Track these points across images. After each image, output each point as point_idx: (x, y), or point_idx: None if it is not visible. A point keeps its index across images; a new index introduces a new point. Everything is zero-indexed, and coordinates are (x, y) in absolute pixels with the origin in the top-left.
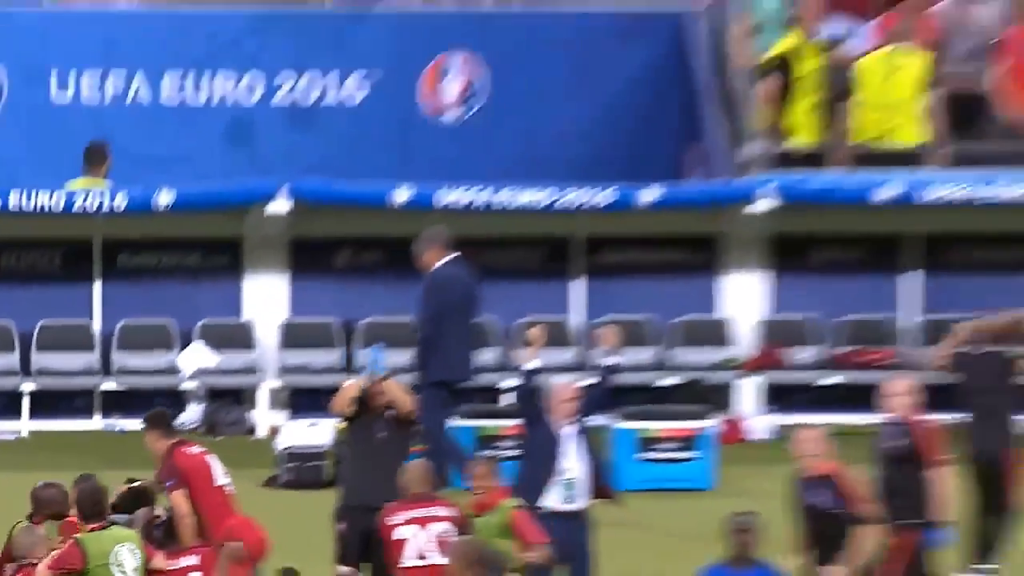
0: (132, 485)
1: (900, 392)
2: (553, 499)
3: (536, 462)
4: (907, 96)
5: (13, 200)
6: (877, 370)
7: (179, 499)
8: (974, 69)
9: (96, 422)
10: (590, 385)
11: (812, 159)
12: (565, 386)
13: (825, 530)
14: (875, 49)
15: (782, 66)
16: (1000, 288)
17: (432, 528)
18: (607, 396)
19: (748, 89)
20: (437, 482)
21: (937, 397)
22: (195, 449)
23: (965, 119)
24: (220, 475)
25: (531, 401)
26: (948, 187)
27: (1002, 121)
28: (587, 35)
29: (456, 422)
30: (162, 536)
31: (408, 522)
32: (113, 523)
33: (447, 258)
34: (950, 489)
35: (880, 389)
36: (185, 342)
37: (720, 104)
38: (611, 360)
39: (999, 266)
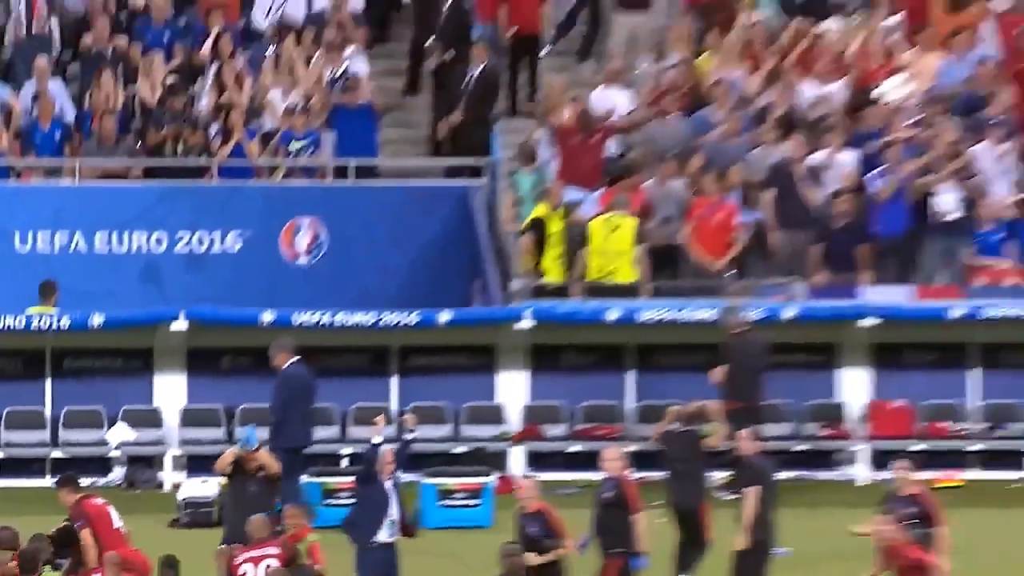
0: (62, 525)
1: (612, 457)
2: (383, 535)
3: (372, 508)
4: (624, 247)
5: None
6: (607, 441)
7: (87, 536)
8: (672, 227)
9: (47, 481)
10: (397, 451)
11: (559, 291)
12: (388, 452)
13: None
14: (601, 213)
15: (537, 227)
16: (694, 384)
17: (263, 564)
18: (407, 459)
19: (514, 243)
20: (275, 528)
21: (644, 461)
22: (98, 500)
23: (666, 262)
24: (117, 519)
25: (371, 464)
26: (655, 311)
27: (692, 264)
28: (401, 202)
29: (305, 479)
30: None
31: (246, 560)
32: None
33: (292, 360)
34: (646, 528)
35: (600, 455)
36: (112, 423)
37: (494, 252)
38: (409, 436)
39: (693, 367)
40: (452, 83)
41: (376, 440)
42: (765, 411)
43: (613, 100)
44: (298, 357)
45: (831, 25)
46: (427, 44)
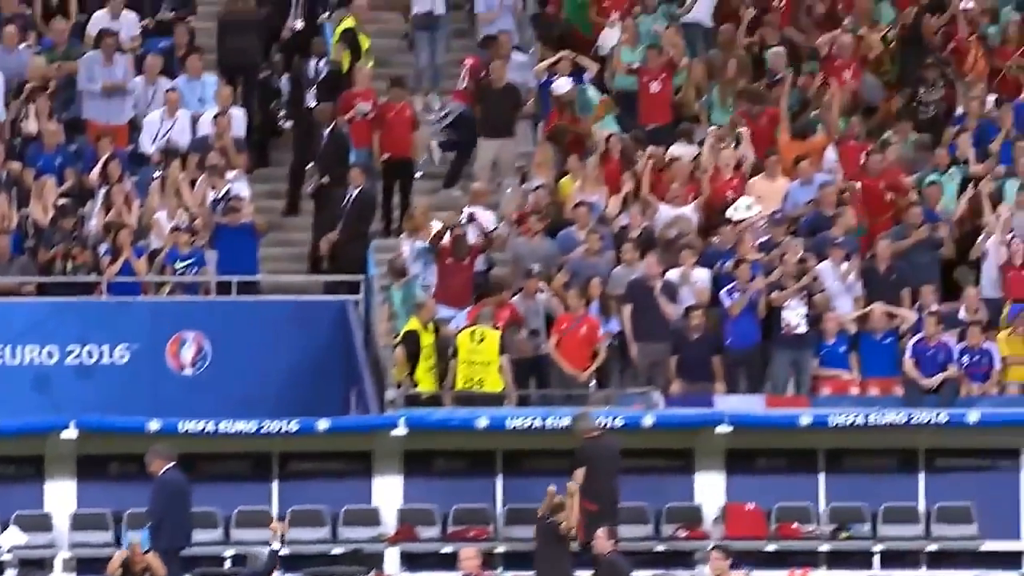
0: None
1: (469, 556)
2: None
3: None
4: (490, 358)
5: None
6: (477, 542)
7: None
8: (538, 339)
9: None
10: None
11: (432, 400)
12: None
13: None
14: (468, 327)
15: (410, 339)
16: (560, 488)
17: None
18: (275, 563)
19: (388, 354)
20: None
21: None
22: None
23: (534, 372)
24: None
25: (270, 571)
26: (523, 418)
27: (556, 374)
28: (281, 316)
29: None
30: None
31: None
32: None
33: (168, 466)
34: None
35: (458, 555)
36: (3, 527)
37: (370, 363)
38: (276, 544)
39: (559, 472)
40: (331, 204)
41: (275, 546)
42: (621, 512)
43: (479, 219)
44: (174, 463)
45: (682, 150)
46: (307, 168)
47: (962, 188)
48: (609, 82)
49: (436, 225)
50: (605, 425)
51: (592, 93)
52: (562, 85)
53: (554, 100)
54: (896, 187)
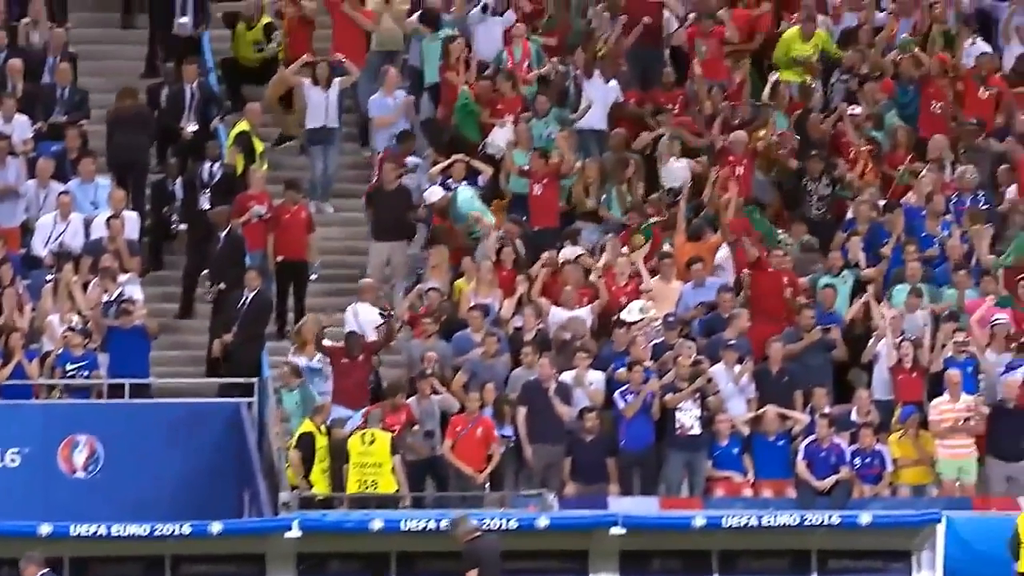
0: None
1: None
2: None
3: None
4: (381, 459)
5: None
6: None
7: None
8: (433, 441)
9: None
10: None
11: (326, 503)
12: None
13: None
14: (359, 428)
15: (304, 441)
16: None
17: None
18: None
19: (282, 457)
20: None
21: None
22: None
23: (429, 474)
24: None
25: None
26: (417, 520)
27: (452, 475)
28: (175, 419)
29: None
30: None
31: None
32: None
33: (42, 572)
34: None
35: None
36: None
37: (264, 466)
38: None
39: (452, 571)
40: (226, 307)
41: None
42: None
43: (365, 316)
44: (48, 569)
45: (570, 252)
46: (203, 272)
47: (855, 291)
48: (504, 185)
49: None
50: (483, 526)
51: (466, 199)
52: (434, 193)
53: (431, 206)
54: (792, 287)
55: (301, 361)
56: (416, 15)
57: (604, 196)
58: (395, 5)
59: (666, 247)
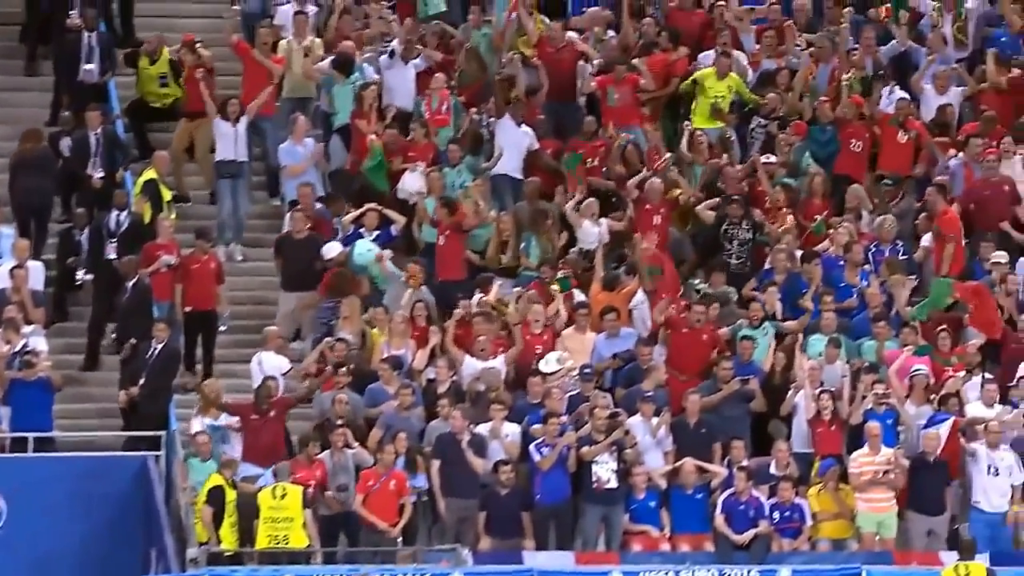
0: None
1: None
2: None
3: None
4: (292, 514)
5: None
6: None
7: None
8: (346, 495)
9: None
10: None
11: (235, 559)
12: None
13: None
14: (269, 484)
15: (214, 496)
16: None
17: None
18: None
19: (191, 512)
20: None
21: None
22: None
23: (341, 529)
24: None
25: None
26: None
27: (365, 530)
28: (80, 473)
29: None
30: None
31: None
32: None
33: None
34: None
35: None
36: None
37: (172, 521)
38: None
39: None
40: (134, 358)
41: None
42: None
43: (270, 364)
44: None
45: (488, 301)
46: (109, 323)
47: (776, 343)
48: (417, 234)
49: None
50: None
51: (362, 254)
52: (331, 249)
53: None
54: (712, 340)
55: (205, 422)
56: (328, 60)
57: (523, 244)
58: (309, 51)
59: (580, 296)
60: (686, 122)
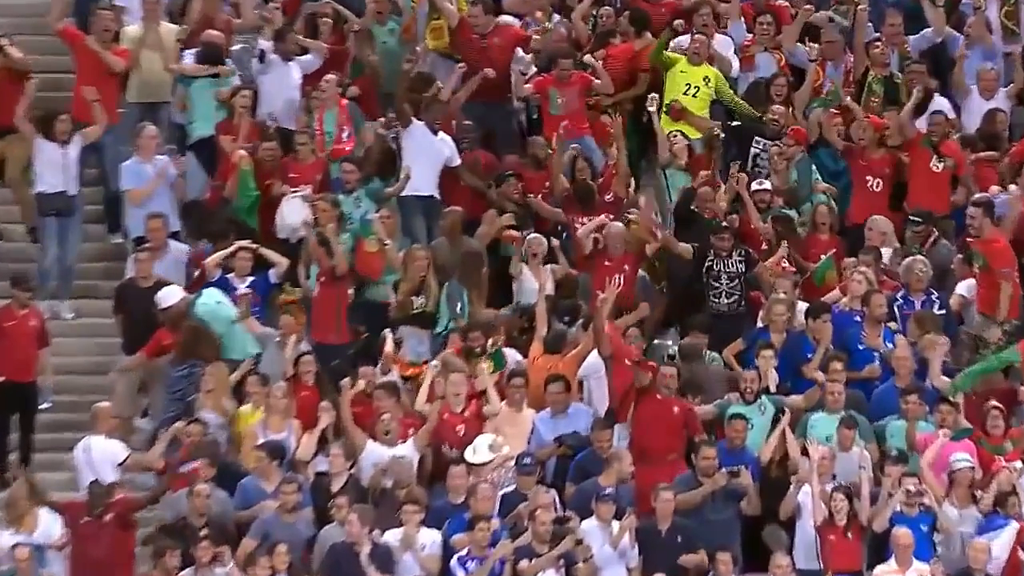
0: None
1: None
2: None
3: None
4: None
5: None
6: None
7: None
8: None
9: None
10: None
11: None
12: None
13: None
14: None
15: None
16: None
17: None
18: None
19: None
20: None
21: None
22: None
23: None
24: None
25: None
26: None
27: None
28: None
29: None
30: None
31: None
32: None
33: None
34: None
35: None
36: None
37: None
38: None
39: None
40: None
41: None
42: None
43: (101, 453)
44: None
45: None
46: None
47: (774, 424)
48: (304, 280)
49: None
50: None
51: (209, 309)
52: (169, 294)
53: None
54: (687, 420)
55: (18, 539)
56: (190, 55)
57: (447, 293)
58: (162, 42)
59: (516, 357)
60: (652, 96)
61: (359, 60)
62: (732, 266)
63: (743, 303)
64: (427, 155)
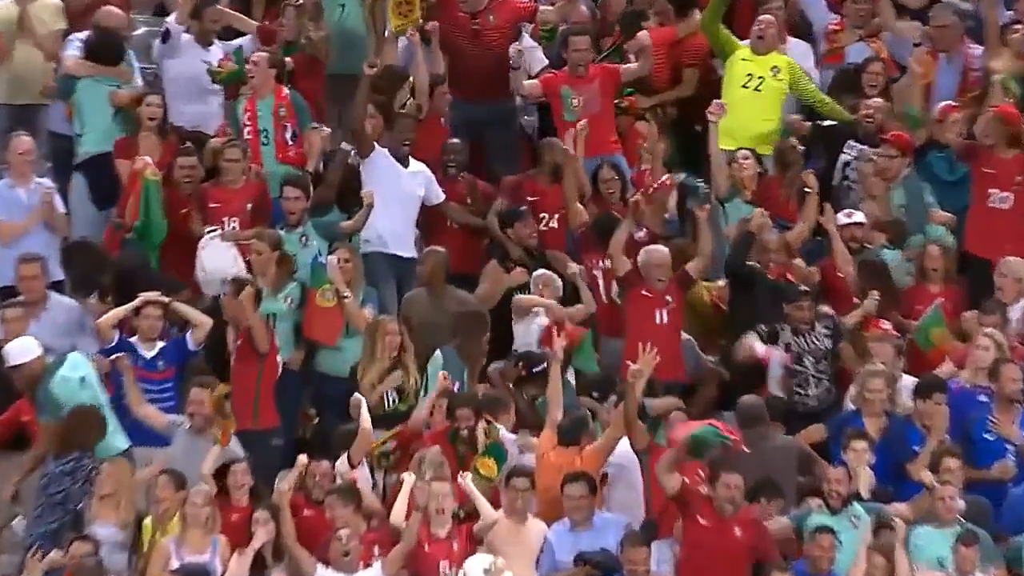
0: None
1: None
2: None
3: None
4: None
5: None
6: None
7: None
8: None
9: None
10: None
11: None
12: None
13: None
14: None
15: None
16: None
17: None
18: None
19: None
20: None
21: None
22: None
23: None
24: None
25: None
26: None
27: None
28: None
29: None
30: None
31: None
32: None
33: None
34: None
35: None
36: None
37: None
38: None
39: None
40: None
41: None
42: None
43: None
44: None
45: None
46: None
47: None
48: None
49: None
50: None
51: (68, 380)
52: (21, 350)
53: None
54: (756, 535)
55: None
56: (73, 42)
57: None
58: (44, 25)
59: (522, 457)
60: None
61: (296, 40)
62: (817, 341)
63: (833, 392)
64: (395, 195)
